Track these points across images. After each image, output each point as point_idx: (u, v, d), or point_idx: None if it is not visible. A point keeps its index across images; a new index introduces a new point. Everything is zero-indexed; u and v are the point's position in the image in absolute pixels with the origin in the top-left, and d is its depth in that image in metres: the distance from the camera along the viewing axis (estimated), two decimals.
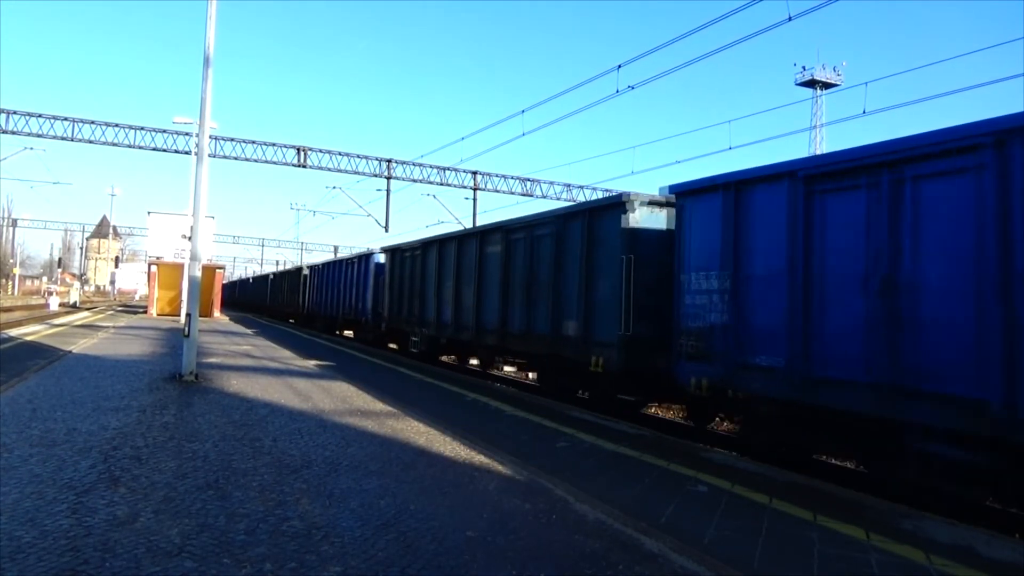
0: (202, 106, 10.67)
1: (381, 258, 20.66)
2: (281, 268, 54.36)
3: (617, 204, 9.19)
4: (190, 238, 12.51)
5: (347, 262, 24.96)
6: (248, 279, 66.34)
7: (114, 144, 28.84)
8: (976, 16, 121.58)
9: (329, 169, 31.76)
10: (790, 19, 11.92)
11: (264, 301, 46.48)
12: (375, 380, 11.90)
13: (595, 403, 10.28)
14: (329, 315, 27.01)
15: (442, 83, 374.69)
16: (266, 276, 51.53)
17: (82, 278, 79.44)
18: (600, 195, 33.76)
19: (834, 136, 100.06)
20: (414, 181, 33.11)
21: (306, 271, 32.86)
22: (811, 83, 66.40)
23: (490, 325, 12.67)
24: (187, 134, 28.29)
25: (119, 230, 72.89)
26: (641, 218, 9.07)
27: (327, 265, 28.71)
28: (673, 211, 8.67)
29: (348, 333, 25.85)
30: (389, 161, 32.53)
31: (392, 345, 20.23)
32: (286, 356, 15.58)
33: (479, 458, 6.06)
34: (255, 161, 30.32)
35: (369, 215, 35.67)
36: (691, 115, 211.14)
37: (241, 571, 3.32)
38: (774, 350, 6.82)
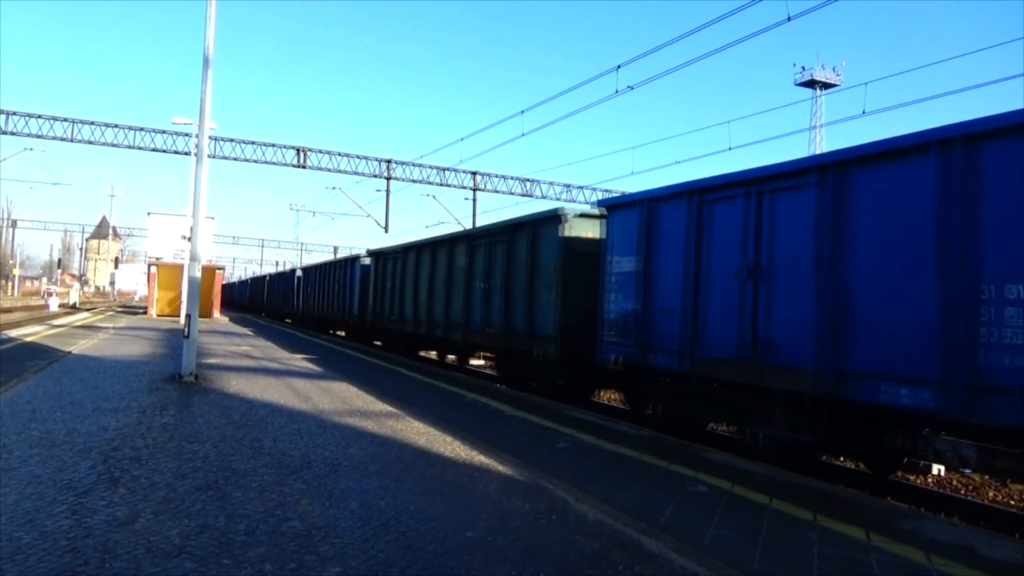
0: (201, 107, 10.67)
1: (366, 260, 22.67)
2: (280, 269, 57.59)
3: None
4: (190, 239, 12.51)
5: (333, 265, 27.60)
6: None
7: (114, 145, 28.90)
8: (976, 16, 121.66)
9: (329, 169, 31.80)
10: (789, 19, 11.93)
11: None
12: (374, 380, 11.89)
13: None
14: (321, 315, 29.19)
15: (442, 83, 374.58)
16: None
17: (82, 279, 79.47)
18: (600, 196, 33.75)
19: (834, 136, 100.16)
20: (414, 181, 33.16)
21: (299, 272, 35.98)
22: (811, 83, 66.34)
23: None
24: (187, 135, 28.31)
25: (119, 231, 72.92)
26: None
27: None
28: None
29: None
30: (389, 161, 32.54)
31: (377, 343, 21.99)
32: (285, 356, 15.58)
33: (479, 458, 6.06)
34: (255, 162, 30.37)
35: (369, 215, 35.72)
36: (691, 115, 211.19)
37: (241, 571, 3.31)
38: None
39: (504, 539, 3.99)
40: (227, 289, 69.24)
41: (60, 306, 38.12)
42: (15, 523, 3.76)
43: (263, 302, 47.12)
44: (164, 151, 29.32)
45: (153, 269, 30.87)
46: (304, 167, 30.91)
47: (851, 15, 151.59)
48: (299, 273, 34.57)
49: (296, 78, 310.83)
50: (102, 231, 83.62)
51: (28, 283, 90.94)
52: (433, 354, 18.57)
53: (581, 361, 9.92)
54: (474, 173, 33.87)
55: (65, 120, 28.14)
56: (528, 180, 35.20)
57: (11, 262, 76.09)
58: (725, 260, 7.45)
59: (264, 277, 52.53)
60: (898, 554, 4.18)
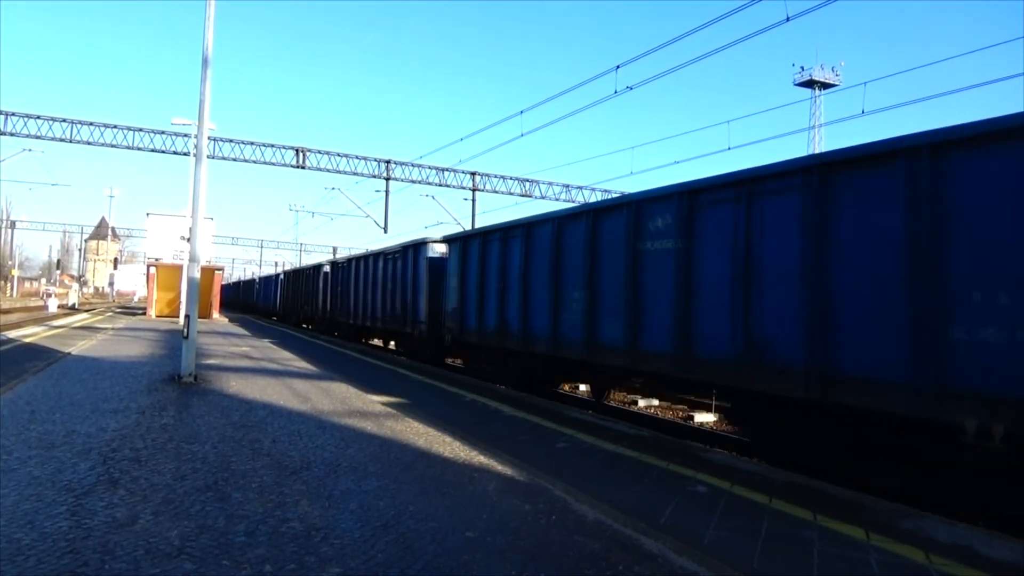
0: (201, 107, 10.66)
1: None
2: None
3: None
4: (189, 239, 12.51)
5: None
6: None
7: (112, 146, 28.90)
8: (976, 16, 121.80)
9: (328, 170, 31.81)
10: (788, 19, 11.95)
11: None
12: (374, 380, 11.89)
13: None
14: None
15: (442, 83, 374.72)
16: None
17: (81, 280, 79.40)
18: (600, 196, 33.78)
19: (833, 136, 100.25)
20: (413, 182, 33.18)
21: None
22: (810, 83, 66.46)
23: None
24: (186, 135, 28.32)
25: (118, 231, 72.98)
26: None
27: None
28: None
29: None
30: (388, 162, 32.55)
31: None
32: (284, 357, 15.58)
33: (478, 458, 6.06)
34: (254, 162, 30.37)
35: (368, 216, 35.71)
36: (690, 115, 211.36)
37: (240, 572, 3.31)
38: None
39: (504, 539, 3.99)
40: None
41: (59, 307, 38.06)
42: (14, 524, 3.75)
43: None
44: (163, 151, 29.32)
45: (152, 270, 30.83)
46: (303, 167, 30.91)
47: (851, 15, 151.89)
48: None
49: (296, 77, 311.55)
50: (101, 232, 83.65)
51: (27, 284, 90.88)
52: None
53: None
54: (473, 173, 33.89)
55: (64, 121, 28.15)
56: (527, 180, 35.24)
57: (10, 263, 76.05)
58: None
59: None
60: (898, 554, 4.18)
